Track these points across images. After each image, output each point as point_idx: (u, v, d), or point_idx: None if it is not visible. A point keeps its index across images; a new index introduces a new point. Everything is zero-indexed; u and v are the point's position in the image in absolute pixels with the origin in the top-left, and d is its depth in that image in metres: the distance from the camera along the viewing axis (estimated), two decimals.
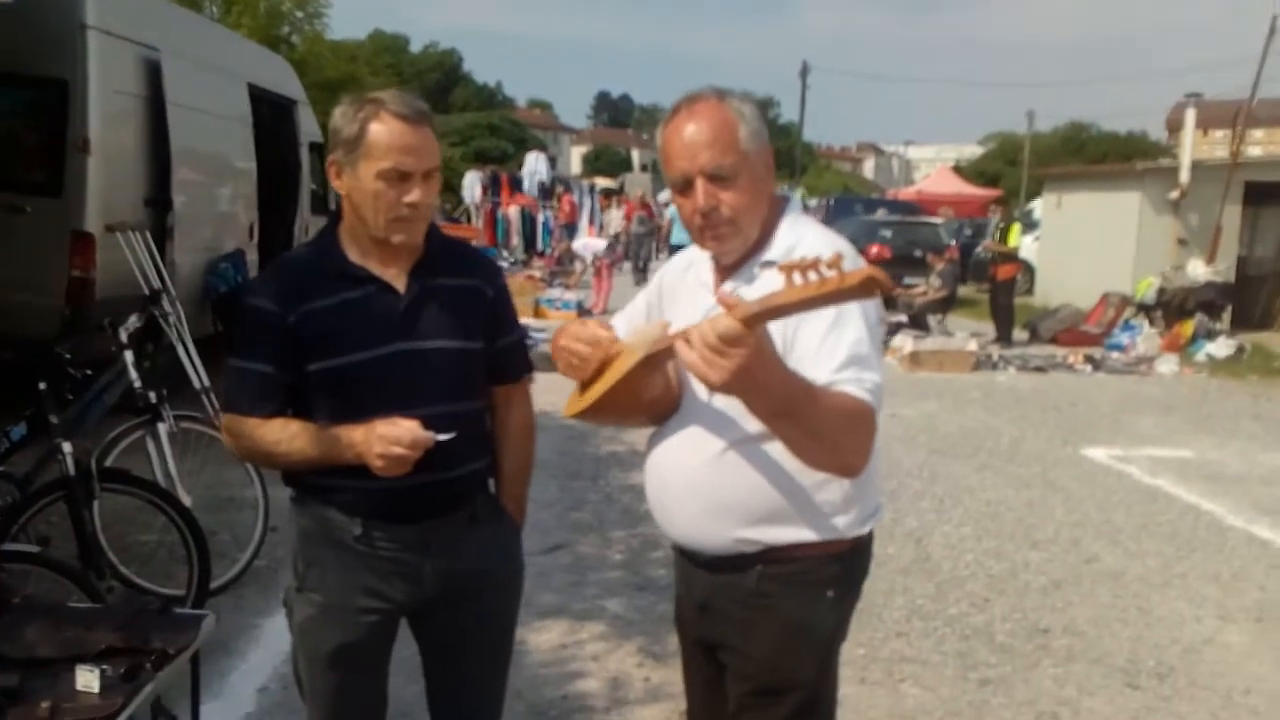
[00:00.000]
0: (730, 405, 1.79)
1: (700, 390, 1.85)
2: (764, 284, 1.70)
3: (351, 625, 1.98)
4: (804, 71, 42.33)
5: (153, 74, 6.71)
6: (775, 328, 1.69)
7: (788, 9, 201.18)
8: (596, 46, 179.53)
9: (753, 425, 1.75)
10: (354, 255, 1.94)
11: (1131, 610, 4.48)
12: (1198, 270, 13.40)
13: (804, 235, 1.81)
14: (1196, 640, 4.19)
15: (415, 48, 59.56)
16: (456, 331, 1.97)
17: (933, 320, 13.30)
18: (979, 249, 14.78)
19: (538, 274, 16.96)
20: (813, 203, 29.13)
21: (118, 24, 6.38)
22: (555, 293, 14.89)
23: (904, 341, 11.56)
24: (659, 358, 1.72)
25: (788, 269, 1.30)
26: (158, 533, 4.05)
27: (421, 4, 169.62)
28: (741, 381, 1.41)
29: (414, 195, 1.87)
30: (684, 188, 1.78)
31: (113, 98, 6.35)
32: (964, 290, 16.44)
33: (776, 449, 1.74)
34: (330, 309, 1.89)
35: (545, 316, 13.20)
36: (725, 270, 1.86)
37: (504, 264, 18.05)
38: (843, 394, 1.60)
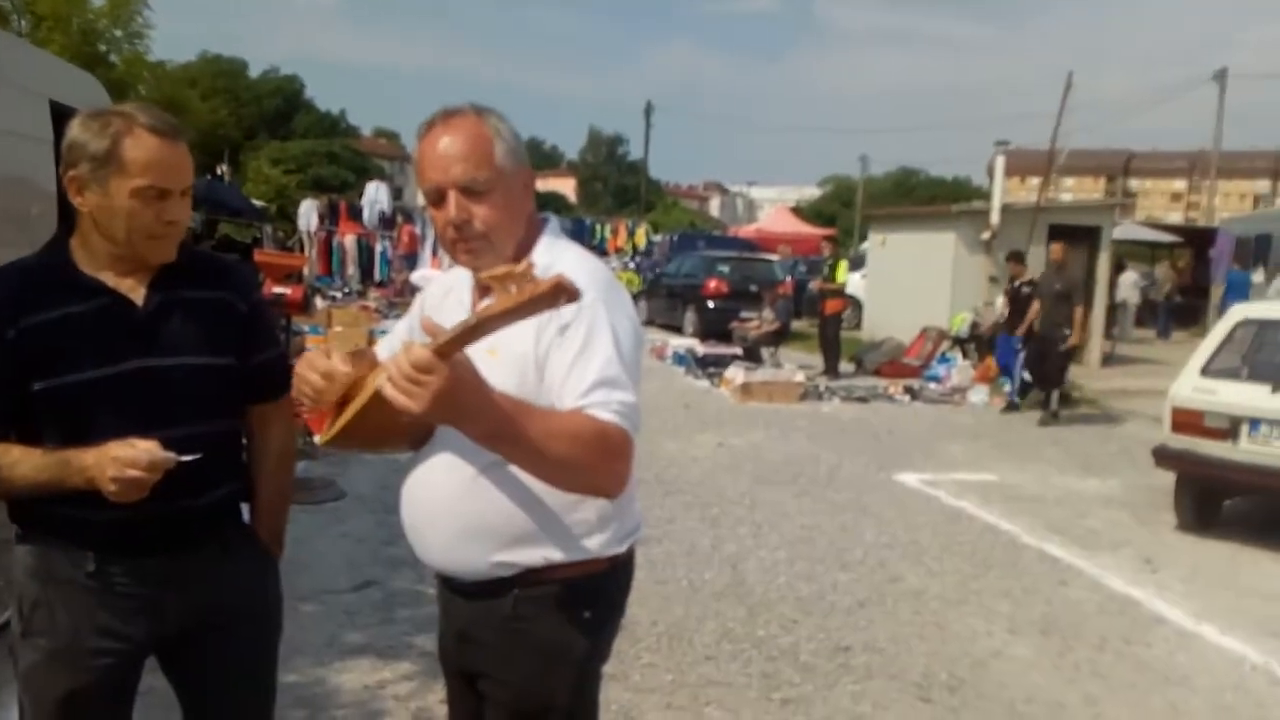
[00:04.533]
0: None
1: None
2: None
3: (83, 669, 1.84)
4: (648, 110, 43.42)
5: None
6: (528, 354, 1.69)
7: (633, 53, 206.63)
8: (446, 77, 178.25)
9: None
10: (85, 265, 1.84)
11: (929, 626, 4.68)
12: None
13: (561, 256, 1.80)
14: (986, 654, 4.40)
15: (254, 73, 57.30)
16: (202, 347, 1.88)
17: (766, 352, 13.69)
18: (810, 285, 15.47)
19: (373, 305, 16.56)
20: (657, 238, 29.79)
21: None
22: (391, 324, 14.52)
23: (736, 373, 11.84)
24: None
25: (493, 280, 1.30)
26: None
27: (263, 31, 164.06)
28: (443, 407, 1.42)
29: (173, 213, 1.82)
30: (437, 200, 1.76)
31: None
32: (797, 324, 17.02)
33: None
34: (54, 323, 1.78)
35: None
36: (484, 290, 1.84)
37: (337, 294, 17.56)
38: (579, 416, 1.59)
